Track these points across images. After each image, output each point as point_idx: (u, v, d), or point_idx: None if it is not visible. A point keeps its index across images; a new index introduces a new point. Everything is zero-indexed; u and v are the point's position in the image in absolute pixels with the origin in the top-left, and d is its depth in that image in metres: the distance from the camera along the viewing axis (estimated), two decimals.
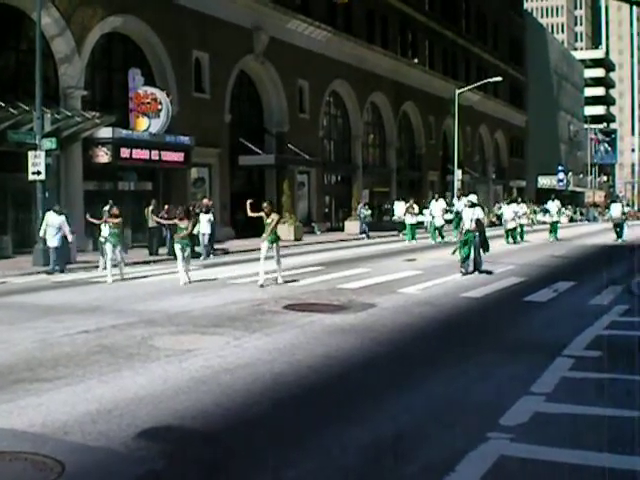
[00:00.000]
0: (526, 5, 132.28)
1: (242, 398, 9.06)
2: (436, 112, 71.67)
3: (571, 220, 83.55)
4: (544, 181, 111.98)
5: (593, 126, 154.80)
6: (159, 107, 36.24)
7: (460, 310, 16.38)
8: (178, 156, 37.99)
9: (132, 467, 6.92)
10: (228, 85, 43.78)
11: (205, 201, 34.29)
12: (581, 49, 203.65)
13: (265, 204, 21.11)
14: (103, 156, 34.24)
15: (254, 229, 44.25)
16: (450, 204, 46.95)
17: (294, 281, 21.39)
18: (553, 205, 44.96)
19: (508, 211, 39.17)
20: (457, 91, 63.74)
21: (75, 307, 16.53)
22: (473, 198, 24.16)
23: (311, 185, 53.17)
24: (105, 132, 33.66)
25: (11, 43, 32.64)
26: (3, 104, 28.84)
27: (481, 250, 22.54)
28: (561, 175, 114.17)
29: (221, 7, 42.19)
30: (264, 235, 20.67)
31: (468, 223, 22.63)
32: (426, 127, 71.25)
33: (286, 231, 41.26)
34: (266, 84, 48.34)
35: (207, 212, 31.22)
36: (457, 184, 64.23)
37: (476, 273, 22.44)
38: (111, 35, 36.57)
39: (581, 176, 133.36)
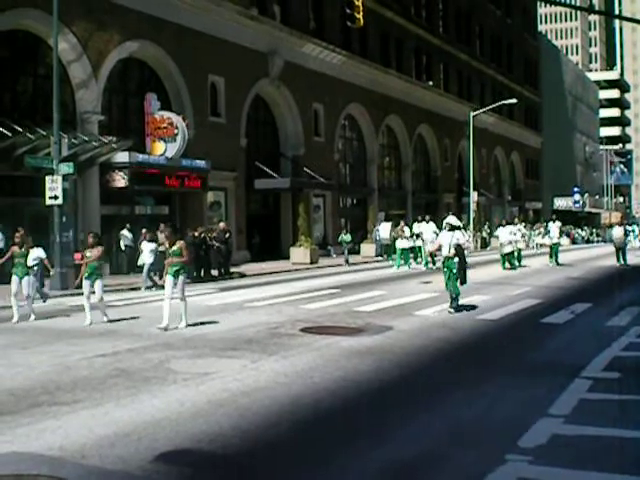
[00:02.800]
0: (540, 27, 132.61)
1: (260, 421, 9.05)
2: (451, 134, 71.74)
3: (574, 242, 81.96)
4: (560, 202, 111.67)
5: (609, 147, 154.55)
6: (175, 131, 36.38)
7: (477, 332, 16.33)
8: (194, 180, 38.12)
9: None
10: (244, 109, 43.95)
11: (222, 225, 34.41)
12: (596, 70, 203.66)
13: (163, 227, 18.92)
14: (120, 180, 34.38)
15: (270, 252, 44.72)
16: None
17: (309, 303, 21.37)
18: (554, 226, 41.19)
19: (504, 233, 35.73)
20: (472, 113, 63.83)
21: (91, 331, 16.57)
22: (452, 220, 20.62)
23: (327, 208, 53.19)
24: (122, 157, 33.81)
25: (29, 69, 32.85)
26: (21, 129, 29.05)
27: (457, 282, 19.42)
28: (577, 196, 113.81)
29: (236, 32, 42.41)
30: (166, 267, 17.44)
31: (446, 249, 19.40)
32: (441, 149, 71.29)
33: (302, 254, 41.33)
34: (281, 108, 48.51)
35: (151, 241, 27.67)
36: (473, 206, 64.25)
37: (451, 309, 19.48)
38: (127, 60, 36.79)
39: (597, 197, 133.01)
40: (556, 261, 38.31)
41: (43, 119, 29.65)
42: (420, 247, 38.33)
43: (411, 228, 38.99)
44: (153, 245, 27.37)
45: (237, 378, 11.42)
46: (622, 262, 37.79)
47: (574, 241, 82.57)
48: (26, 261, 19.59)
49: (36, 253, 21.13)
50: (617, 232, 39.07)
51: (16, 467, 7.36)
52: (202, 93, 40.50)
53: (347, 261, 41.36)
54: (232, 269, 33.92)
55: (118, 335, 15.80)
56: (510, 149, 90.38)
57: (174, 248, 17.13)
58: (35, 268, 20.98)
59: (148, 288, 26.85)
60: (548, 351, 14.08)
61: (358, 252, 49.27)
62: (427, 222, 38.43)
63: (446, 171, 72.10)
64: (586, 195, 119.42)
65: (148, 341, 14.96)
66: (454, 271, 19.20)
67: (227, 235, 33.73)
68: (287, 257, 42.90)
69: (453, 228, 19.83)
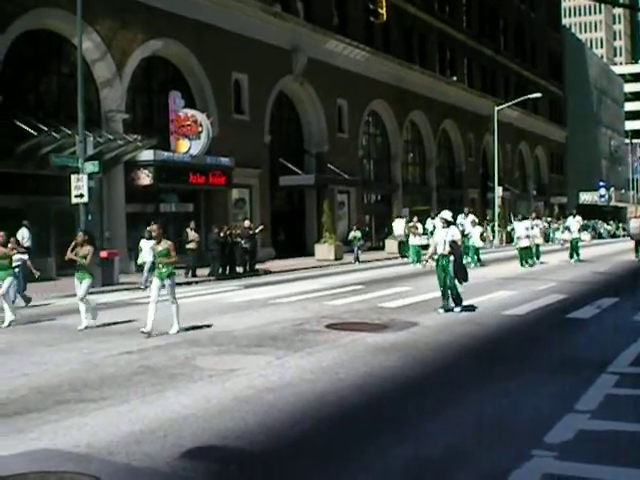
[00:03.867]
0: (564, 21, 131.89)
1: (285, 418, 9.06)
2: (475, 129, 71.50)
3: (600, 237, 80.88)
4: (585, 197, 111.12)
5: (634, 141, 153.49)
6: (199, 129, 36.48)
7: (502, 328, 16.27)
8: (219, 177, 38.22)
9: None
10: (267, 106, 44.00)
11: (246, 223, 34.47)
12: (620, 64, 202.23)
13: (153, 226, 17.67)
14: (145, 178, 34.54)
15: (295, 249, 44.76)
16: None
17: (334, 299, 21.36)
18: (574, 221, 39.50)
19: (520, 228, 34.88)
20: (496, 108, 63.60)
21: (116, 328, 16.64)
22: (447, 215, 19.40)
23: (351, 204, 53.15)
24: (146, 155, 33.96)
25: (53, 68, 33.05)
26: (46, 128, 29.24)
27: (457, 281, 18.54)
28: (602, 191, 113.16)
29: (259, 29, 42.46)
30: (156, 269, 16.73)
31: (442, 246, 18.44)
32: (466, 144, 71.09)
33: (326, 250, 41.38)
34: (305, 104, 48.53)
35: (150, 238, 24.63)
36: (497, 201, 64.01)
37: (457, 309, 18.52)
38: (151, 58, 36.92)
39: (623, 191, 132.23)
40: (577, 257, 37.00)
41: (68, 118, 29.80)
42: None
43: (424, 224, 38.38)
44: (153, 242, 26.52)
45: (262, 374, 11.43)
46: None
47: (600, 236, 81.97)
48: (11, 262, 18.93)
49: (19, 255, 20.59)
50: (634, 224, 38.26)
51: (43, 464, 7.40)
52: (226, 90, 40.58)
53: (357, 259, 39.99)
54: (257, 266, 33.98)
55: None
56: (535, 144, 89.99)
57: (160, 248, 16.27)
58: (16, 270, 20.05)
59: (148, 287, 26.52)
60: (574, 346, 14.01)
61: (383, 248, 49.22)
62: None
63: (470, 166, 71.89)
64: (612, 189, 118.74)
65: (174, 338, 15.02)
66: (450, 270, 18.21)
67: (252, 232, 33.76)
68: (312, 254, 42.96)
69: (448, 223, 18.90)
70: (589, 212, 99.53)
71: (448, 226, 18.77)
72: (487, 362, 12.61)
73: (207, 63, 39.00)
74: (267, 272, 33.69)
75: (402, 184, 59.90)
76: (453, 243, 18.28)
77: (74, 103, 27.22)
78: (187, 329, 16.06)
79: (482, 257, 36.05)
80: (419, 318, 17.37)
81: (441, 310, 18.41)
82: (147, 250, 26.12)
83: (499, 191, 64.89)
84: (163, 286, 16.07)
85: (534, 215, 41.08)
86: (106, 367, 12.24)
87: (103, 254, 25.51)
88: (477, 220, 38.48)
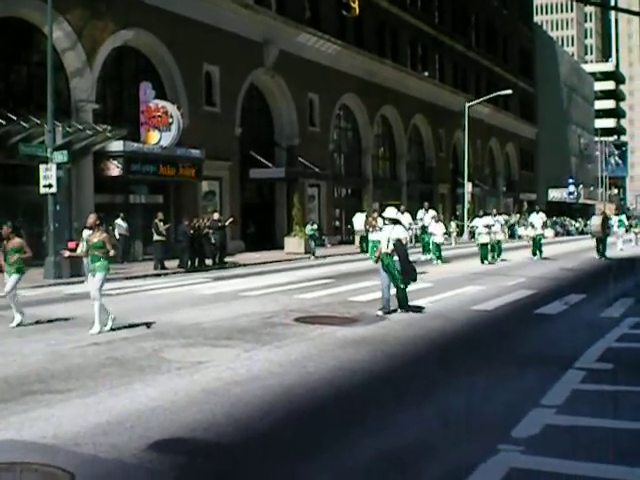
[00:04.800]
0: (536, 18, 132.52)
1: (253, 410, 9.06)
2: (446, 125, 71.68)
3: (569, 234, 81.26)
4: (555, 194, 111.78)
5: (604, 139, 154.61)
6: (170, 120, 36.32)
7: (471, 323, 16.35)
8: (189, 169, 38.09)
9: (143, 479, 6.93)
10: (239, 98, 43.88)
11: (216, 215, 34.37)
12: (591, 62, 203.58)
13: (90, 216, 16.28)
14: (114, 169, 34.36)
15: (264, 242, 44.71)
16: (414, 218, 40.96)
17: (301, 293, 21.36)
18: (537, 218, 37.55)
19: (480, 224, 34.20)
20: (467, 104, 63.85)
21: (84, 319, 16.52)
22: (391, 213, 18.17)
23: (321, 198, 53.12)
24: (116, 145, 33.76)
25: (23, 57, 32.77)
26: (15, 117, 29.01)
27: (401, 282, 17.27)
28: (572, 188, 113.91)
29: (231, 21, 42.32)
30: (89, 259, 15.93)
31: (385, 245, 17.23)
32: (436, 140, 71.27)
33: (296, 244, 41.34)
34: (276, 97, 48.44)
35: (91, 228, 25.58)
36: (467, 197, 64.31)
37: (400, 311, 17.30)
38: (122, 49, 36.71)
39: (592, 189, 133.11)
40: (540, 254, 36.02)
41: (37, 107, 29.60)
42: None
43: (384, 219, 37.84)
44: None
45: (231, 367, 11.42)
46: (601, 255, 36.10)
47: (569, 233, 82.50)
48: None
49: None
50: (595, 222, 37.29)
51: (9, 455, 7.37)
52: (197, 82, 40.43)
53: (313, 254, 39.22)
54: (226, 259, 33.91)
55: (113, 324, 15.72)
56: (505, 140, 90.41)
57: (95, 240, 15.26)
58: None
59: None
60: (541, 342, 14.09)
61: (352, 242, 49.22)
62: (402, 213, 33.93)
63: (441, 162, 72.10)
64: (581, 187, 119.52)
65: (142, 330, 14.94)
66: (393, 270, 17.08)
67: (221, 224, 33.67)
68: (281, 247, 42.91)
69: (394, 222, 17.75)
70: (558, 209, 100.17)
71: (394, 224, 17.63)
72: (455, 356, 12.66)
73: (178, 54, 38.83)
74: (236, 265, 33.62)
75: (372, 178, 59.97)
76: (398, 242, 17.06)
77: (44, 92, 27.00)
78: (148, 324, 15.56)
79: (444, 253, 35.09)
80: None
81: (380, 312, 17.05)
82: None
83: (469, 187, 65.22)
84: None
85: (495, 211, 40.05)
86: (73, 358, 12.18)
87: (72, 245, 25.32)
88: (438, 216, 37.56)
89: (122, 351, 12.74)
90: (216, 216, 34.20)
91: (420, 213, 41.13)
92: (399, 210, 34.08)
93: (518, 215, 73.05)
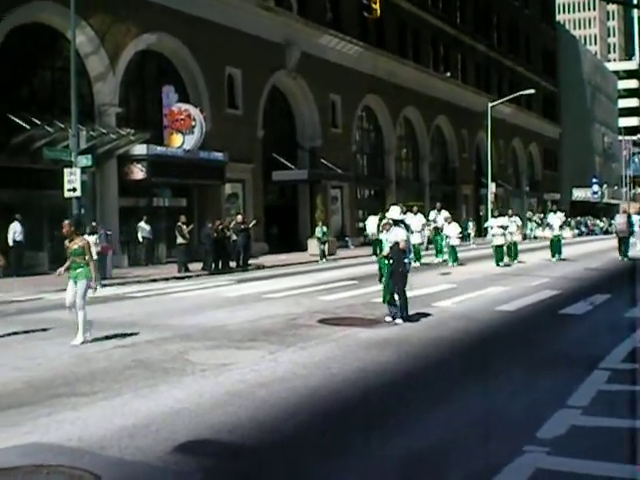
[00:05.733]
0: (558, 17, 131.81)
1: (278, 412, 9.06)
2: (469, 125, 71.50)
3: (593, 233, 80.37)
4: (578, 193, 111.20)
5: (627, 137, 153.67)
6: (193, 123, 36.42)
7: (495, 323, 16.29)
8: (212, 172, 38.19)
9: None
10: (261, 101, 43.96)
11: (239, 217, 34.43)
12: (614, 60, 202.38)
13: (64, 223, 14.96)
14: (138, 173, 34.48)
15: (288, 244, 44.74)
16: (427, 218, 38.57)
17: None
18: (555, 218, 36.33)
19: (495, 225, 32.88)
20: (490, 104, 63.59)
21: (110, 322, 16.58)
22: (394, 213, 17.20)
23: (344, 199, 53.14)
24: (140, 149, 33.92)
25: (46, 62, 32.95)
26: (39, 122, 29.18)
27: (398, 286, 16.19)
28: (595, 187, 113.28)
29: (253, 23, 42.41)
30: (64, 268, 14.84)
31: (387, 248, 16.55)
32: (459, 141, 71.12)
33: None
34: (298, 99, 48.49)
35: (92, 233, 24.70)
36: (490, 197, 64.03)
37: (399, 320, 16.08)
38: (145, 52, 36.87)
39: (616, 188, 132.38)
40: (559, 255, 35.01)
41: (61, 112, 29.76)
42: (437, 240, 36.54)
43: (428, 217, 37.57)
44: (94, 238, 24.08)
45: (255, 369, 11.43)
46: (623, 255, 34.82)
47: (593, 232, 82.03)
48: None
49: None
50: (619, 220, 36.05)
51: (36, 458, 7.39)
52: (219, 85, 40.54)
53: (324, 256, 38.66)
54: (250, 261, 33.97)
55: (137, 326, 15.79)
56: (528, 140, 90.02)
57: (75, 247, 14.40)
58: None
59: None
60: (566, 342, 14.02)
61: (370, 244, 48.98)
62: (415, 214, 34.79)
63: (464, 162, 71.93)
64: (605, 186, 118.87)
65: (167, 332, 14.97)
66: (389, 272, 16.41)
67: (245, 227, 33.70)
68: (304, 249, 42.92)
69: (396, 223, 16.68)
70: (582, 209, 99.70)
71: (397, 226, 16.56)
72: (480, 357, 12.62)
73: (201, 57, 38.94)
74: (260, 267, 33.68)
75: (395, 179, 59.89)
76: (395, 246, 16.07)
77: (67, 97, 27.14)
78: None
79: (460, 255, 33.84)
80: (412, 313, 17.35)
81: (389, 318, 16.28)
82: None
83: (492, 187, 64.90)
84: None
85: (511, 212, 38.19)
86: (99, 361, 12.22)
87: (98, 249, 25.45)
88: (451, 216, 36.06)
89: (147, 353, 12.77)
90: (239, 218, 34.26)
91: (432, 214, 39.61)
92: (411, 211, 34.27)
93: (542, 214, 72.39)
